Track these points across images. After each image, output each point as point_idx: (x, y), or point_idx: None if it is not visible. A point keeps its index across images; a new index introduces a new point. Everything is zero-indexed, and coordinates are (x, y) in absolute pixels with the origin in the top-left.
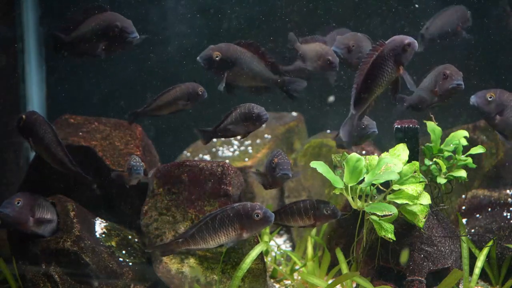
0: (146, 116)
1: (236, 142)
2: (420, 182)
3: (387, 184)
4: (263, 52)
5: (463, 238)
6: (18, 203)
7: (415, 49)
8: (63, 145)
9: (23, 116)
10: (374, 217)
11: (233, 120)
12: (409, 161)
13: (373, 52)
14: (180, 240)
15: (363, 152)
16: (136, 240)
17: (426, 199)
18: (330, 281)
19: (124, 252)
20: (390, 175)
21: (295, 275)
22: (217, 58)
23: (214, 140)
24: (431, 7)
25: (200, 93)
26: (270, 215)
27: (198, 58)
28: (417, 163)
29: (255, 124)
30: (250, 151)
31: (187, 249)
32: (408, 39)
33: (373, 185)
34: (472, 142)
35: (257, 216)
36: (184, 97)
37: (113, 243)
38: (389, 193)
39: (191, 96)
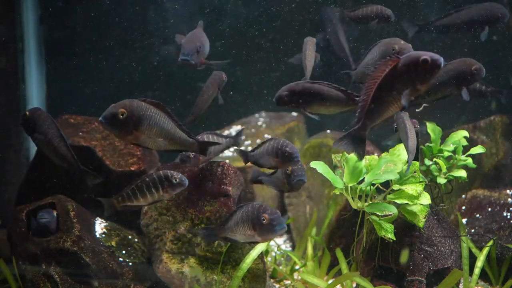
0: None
1: None
2: (420, 182)
3: (387, 184)
4: (170, 114)
5: (463, 238)
6: (55, 214)
7: (437, 66)
8: (66, 140)
9: (27, 112)
10: (374, 217)
11: (264, 152)
12: None
13: (385, 67)
14: (222, 225)
15: None
16: (136, 240)
17: (426, 199)
18: (330, 281)
19: (124, 252)
20: (390, 175)
21: (295, 275)
22: (122, 116)
23: None
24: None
25: (225, 78)
26: (278, 223)
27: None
28: (417, 163)
29: (284, 162)
30: None
31: (226, 237)
32: (426, 55)
33: (373, 185)
34: (472, 142)
35: (263, 220)
36: (215, 88)
37: (113, 243)
38: (389, 193)
39: (220, 84)
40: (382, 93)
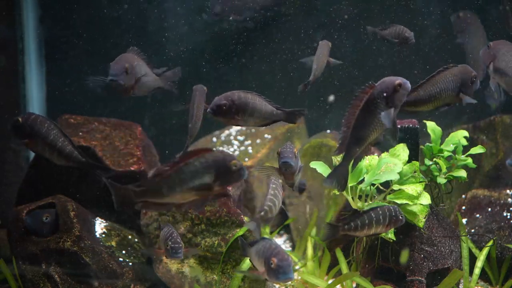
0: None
1: (236, 142)
2: (420, 182)
3: (387, 184)
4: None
5: (463, 238)
6: (45, 217)
7: (407, 89)
8: (70, 138)
9: (19, 119)
10: None
11: (367, 222)
12: (409, 161)
13: (363, 95)
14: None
15: None
16: (136, 240)
17: (426, 199)
18: (330, 281)
19: (124, 252)
20: (390, 175)
21: (295, 275)
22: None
23: (214, 140)
24: None
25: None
26: (283, 272)
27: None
28: (417, 163)
29: (390, 225)
30: (250, 151)
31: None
32: (398, 79)
33: (373, 185)
34: (472, 142)
35: (271, 264)
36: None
37: (113, 243)
38: (389, 193)
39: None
40: (362, 120)
